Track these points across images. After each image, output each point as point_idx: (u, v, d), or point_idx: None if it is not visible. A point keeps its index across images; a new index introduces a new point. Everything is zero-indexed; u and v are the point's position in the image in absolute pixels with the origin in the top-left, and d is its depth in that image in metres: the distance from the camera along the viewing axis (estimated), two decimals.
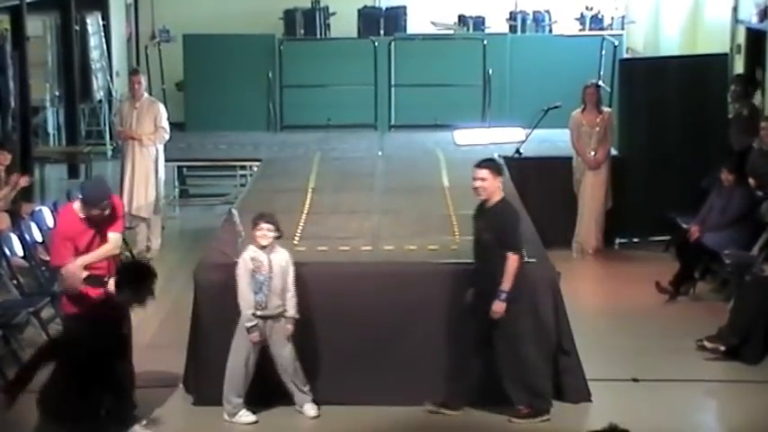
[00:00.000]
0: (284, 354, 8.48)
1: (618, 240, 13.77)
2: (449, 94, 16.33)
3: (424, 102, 16.36)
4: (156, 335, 10.01)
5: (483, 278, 8.40)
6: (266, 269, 8.41)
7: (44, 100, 18.21)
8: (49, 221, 11.60)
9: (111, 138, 18.68)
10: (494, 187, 8.48)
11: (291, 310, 8.46)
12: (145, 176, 13.44)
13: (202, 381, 8.81)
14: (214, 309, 8.81)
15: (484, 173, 8.46)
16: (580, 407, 8.72)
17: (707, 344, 9.86)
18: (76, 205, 8.49)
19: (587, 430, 4.41)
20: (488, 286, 8.32)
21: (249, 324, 8.38)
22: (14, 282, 10.44)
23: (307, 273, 8.69)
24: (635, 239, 13.87)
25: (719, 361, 9.75)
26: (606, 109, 13.66)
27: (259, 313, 8.39)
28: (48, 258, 11.23)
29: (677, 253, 12.18)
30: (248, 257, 8.45)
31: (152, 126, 13.42)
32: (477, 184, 8.47)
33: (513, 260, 8.32)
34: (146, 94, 13.79)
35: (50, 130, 18.67)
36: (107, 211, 8.41)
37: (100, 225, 8.46)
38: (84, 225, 8.42)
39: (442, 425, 8.48)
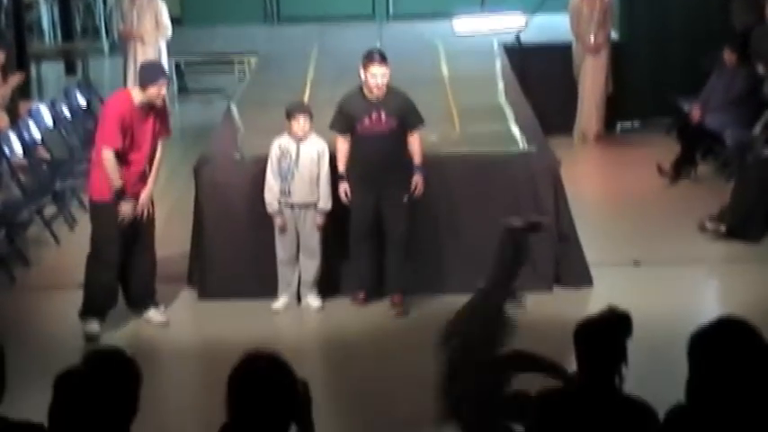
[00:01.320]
0: (311, 244, 8.55)
1: (619, 125, 13.75)
2: None
3: None
4: (159, 231, 10.02)
5: (383, 171, 8.39)
6: (292, 157, 8.42)
7: None
8: (48, 120, 11.57)
9: (107, 34, 18.51)
10: (389, 76, 8.44)
11: (322, 202, 8.49)
12: None
13: (206, 275, 8.87)
14: (216, 204, 8.85)
15: (384, 68, 8.38)
16: (581, 291, 8.78)
17: (708, 225, 9.89)
18: (134, 90, 8.19)
19: (588, 314, 4.42)
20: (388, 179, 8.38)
21: (271, 209, 8.47)
22: (16, 180, 10.45)
23: None
24: (636, 124, 13.84)
25: (721, 241, 9.80)
26: None
27: (283, 200, 8.44)
28: (47, 156, 11.27)
29: (678, 135, 12.16)
30: (276, 145, 8.49)
31: (153, 23, 13.32)
32: (381, 81, 8.36)
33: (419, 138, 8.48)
34: None
35: (45, 26, 18.49)
36: (163, 91, 8.11)
37: (152, 118, 8.15)
38: (138, 113, 8.08)
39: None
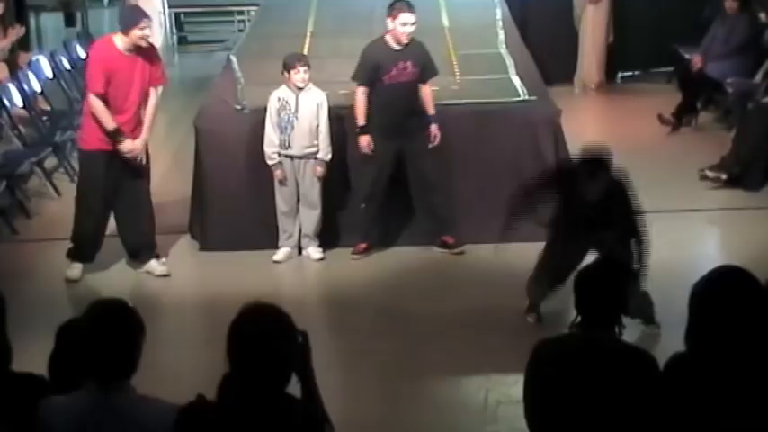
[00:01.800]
0: (311, 196, 8.55)
1: (620, 74, 13.72)
2: None
3: None
4: (159, 184, 10.01)
5: (409, 119, 8.43)
6: (292, 109, 8.40)
7: None
8: (48, 71, 11.54)
9: None
10: None
11: (322, 152, 8.48)
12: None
13: (206, 227, 8.87)
14: (215, 156, 8.84)
15: (414, 16, 8.32)
16: None
17: (709, 173, 9.88)
18: (116, 37, 8.06)
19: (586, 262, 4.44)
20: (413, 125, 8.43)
21: (270, 162, 8.46)
22: (16, 132, 10.44)
23: None
24: (637, 72, 13.80)
25: (721, 189, 9.80)
26: None
27: (283, 152, 8.43)
28: (48, 108, 11.26)
29: (680, 84, 12.12)
30: (275, 97, 8.46)
31: None
32: (411, 29, 8.32)
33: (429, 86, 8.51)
34: None
35: None
36: (146, 32, 7.98)
37: (140, 64, 8.05)
38: (123, 59, 8.01)
39: (446, 262, 8.58)
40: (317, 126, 8.45)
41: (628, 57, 13.61)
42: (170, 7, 14.57)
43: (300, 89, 8.42)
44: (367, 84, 8.41)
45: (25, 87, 10.85)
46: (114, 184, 8.20)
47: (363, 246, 8.67)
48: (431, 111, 8.51)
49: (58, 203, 10.01)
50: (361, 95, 8.42)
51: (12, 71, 11.31)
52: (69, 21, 17.12)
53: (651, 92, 13.09)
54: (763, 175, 9.81)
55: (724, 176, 9.81)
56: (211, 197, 8.83)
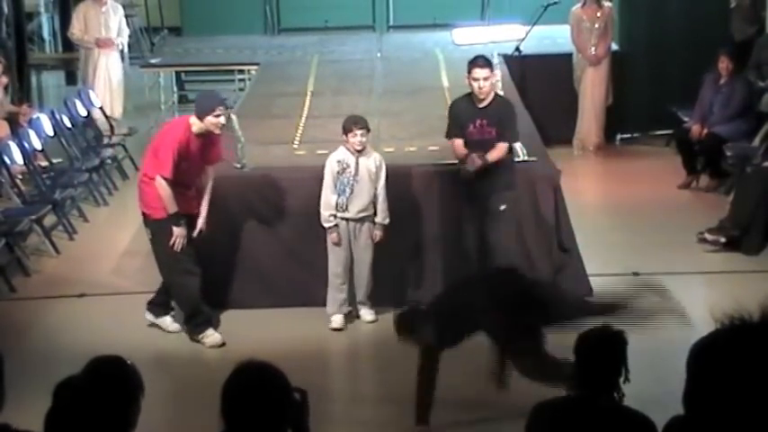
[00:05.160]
0: (365, 258, 8.48)
1: (619, 136, 13.76)
2: None
3: (422, 1, 16.20)
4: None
5: (485, 177, 8.34)
6: (352, 172, 8.38)
7: (38, 5, 18.02)
8: (48, 129, 11.58)
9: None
10: (493, 83, 8.43)
11: (380, 216, 8.44)
12: (117, 79, 13.59)
13: (208, 286, 8.84)
14: (214, 214, 8.82)
15: (486, 71, 8.37)
16: None
17: (707, 236, 9.89)
18: (192, 119, 8.13)
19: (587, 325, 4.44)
20: (486, 185, 8.32)
21: (327, 225, 8.41)
22: (15, 190, 10.46)
23: (306, 177, 8.69)
24: (636, 135, 13.85)
25: (720, 252, 9.80)
26: (606, 3, 13.54)
27: (339, 215, 8.41)
28: (45, 164, 11.29)
29: (678, 147, 12.17)
30: (335, 159, 8.42)
31: (117, 30, 13.53)
32: (483, 84, 8.32)
33: (506, 149, 8.40)
34: None
35: (46, 36, 18.50)
36: (221, 120, 8.09)
37: (207, 143, 8.17)
38: (195, 141, 8.10)
39: None
40: (375, 189, 8.44)
41: (627, 119, 13.67)
42: (171, 66, 14.63)
43: (359, 152, 8.40)
44: (457, 137, 8.42)
45: (25, 145, 10.89)
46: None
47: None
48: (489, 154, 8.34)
49: (56, 261, 10.01)
50: (458, 142, 8.40)
51: (13, 129, 11.37)
52: (70, 78, 17.23)
53: (650, 154, 13.15)
54: (761, 238, 9.82)
55: (723, 239, 9.82)
56: (210, 257, 8.81)
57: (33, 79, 15.49)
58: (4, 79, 12.09)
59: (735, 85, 11.70)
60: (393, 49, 14.29)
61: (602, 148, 13.47)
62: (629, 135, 13.82)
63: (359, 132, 8.34)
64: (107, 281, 9.51)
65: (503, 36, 14.16)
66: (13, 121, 11.67)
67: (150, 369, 6.39)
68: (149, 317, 8.45)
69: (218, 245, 8.78)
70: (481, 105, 8.39)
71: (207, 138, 8.16)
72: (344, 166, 8.38)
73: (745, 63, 12.04)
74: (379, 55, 13.82)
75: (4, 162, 10.43)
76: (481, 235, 8.42)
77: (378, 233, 8.45)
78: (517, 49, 13.35)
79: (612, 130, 13.62)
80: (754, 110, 11.63)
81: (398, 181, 8.73)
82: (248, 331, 8.34)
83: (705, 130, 11.66)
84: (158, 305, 8.46)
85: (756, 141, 11.12)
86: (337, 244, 8.44)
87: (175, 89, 15.81)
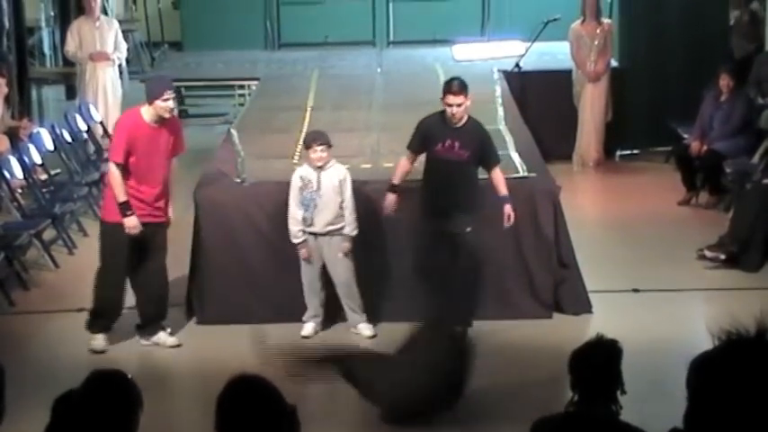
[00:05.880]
0: (338, 271, 8.49)
1: (618, 152, 13.77)
2: (447, 8, 16.18)
3: (422, 17, 16.22)
4: None
5: (448, 197, 8.35)
6: (314, 187, 8.40)
7: (39, 20, 18.04)
8: (48, 143, 11.59)
9: None
10: (467, 107, 8.43)
11: (348, 228, 8.46)
12: (114, 94, 13.62)
13: (205, 300, 8.85)
14: (214, 228, 8.84)
15: (461, 98, 8.35)
16: (580, 318, 8.77)
17: (707, 253, 9.89)
18: (143, 108, 8.18)
19: (578, 344, 4.43)
20: (452, 205, 8.35)
21: (295, 240, 8.43)
22: (15, 204, 10.46)
23: None
24: (635, 151, 13.86)
25: (719, 269, 9.79)
26: (606, 20, 13.57)
27: (307, 230, 8.43)
28: (45, 177, 11.31)
29: (677, 163, 12.17)
30: (298, 176, 8.46)
31: (113, 45, 13.53)
32: (456, 110, 8.32)
33: (499, 170, 8.44)
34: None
35: (46, 50, 18.52)
36: (170, 104, 8.11)
37: (166, 135, 8.17)
38: (149, 130, 8.11)
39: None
40: (341, 202, 8.45)
41: (626, 135, 13.68)
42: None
43: (320, 167, 8.44)
44: (413, 151, 8.51)
45: (25, 159, 10.90)
46: (137, 256, 8.22)
47: None
48: (503, 191, 8.41)
49: (56, 275, 10.01)
50: (404, 161, 8.53)
51: (13, 143, 11.38)
52: (71, 93, 17.24)
53: (649, 170, 13.16)
54: (760, 255, 9.82)
55: (722, 256, 9.82)
56: (209, 270, 8.82)
57: (34, 93, 15.50)
58: (5, 89, 12.08)
59: (735, 102, 11.72)
60: (393, 64, 14.32)
61: (602, 163, 13.48)
62: (628, 151, 13.83)
63: (318, 148, 8.38)
64: None
65: (503, 52, 14.19)
66: (13, 135, 11.67)
67: (148, 383, 6.39)
68: (144, 342, 8.44)
69: (218, 258, 8.78)
70: (455, 126, 8.41)
71: (165, 127, 8.16)
72: (306, 181, 8.42)
73: (745, 79, 12.06)
74: (379, 70, 13.84)
75: (3, 176, 10.43)
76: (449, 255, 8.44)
77: (345, 245, 8.46)
78: (517, 65, 13.38)
79: (612, 146, 13.63)
80: (754, 126, 11.65)
81: (399, 197, 8.73)
82: (244, 344, 8.32)
83: (705, 147, 11.68)
84: (147, 326, 8.45)
85: (756, 158, 11.13)
86: (307, 260, 8.45)
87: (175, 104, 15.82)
